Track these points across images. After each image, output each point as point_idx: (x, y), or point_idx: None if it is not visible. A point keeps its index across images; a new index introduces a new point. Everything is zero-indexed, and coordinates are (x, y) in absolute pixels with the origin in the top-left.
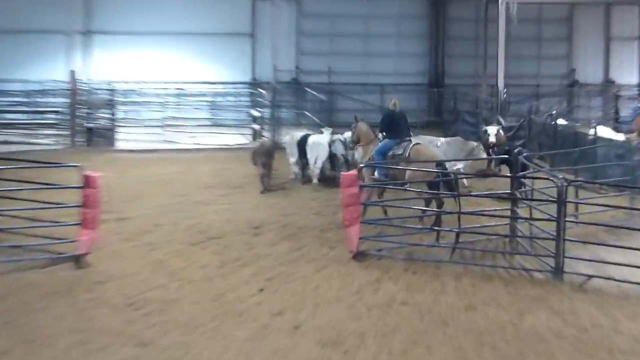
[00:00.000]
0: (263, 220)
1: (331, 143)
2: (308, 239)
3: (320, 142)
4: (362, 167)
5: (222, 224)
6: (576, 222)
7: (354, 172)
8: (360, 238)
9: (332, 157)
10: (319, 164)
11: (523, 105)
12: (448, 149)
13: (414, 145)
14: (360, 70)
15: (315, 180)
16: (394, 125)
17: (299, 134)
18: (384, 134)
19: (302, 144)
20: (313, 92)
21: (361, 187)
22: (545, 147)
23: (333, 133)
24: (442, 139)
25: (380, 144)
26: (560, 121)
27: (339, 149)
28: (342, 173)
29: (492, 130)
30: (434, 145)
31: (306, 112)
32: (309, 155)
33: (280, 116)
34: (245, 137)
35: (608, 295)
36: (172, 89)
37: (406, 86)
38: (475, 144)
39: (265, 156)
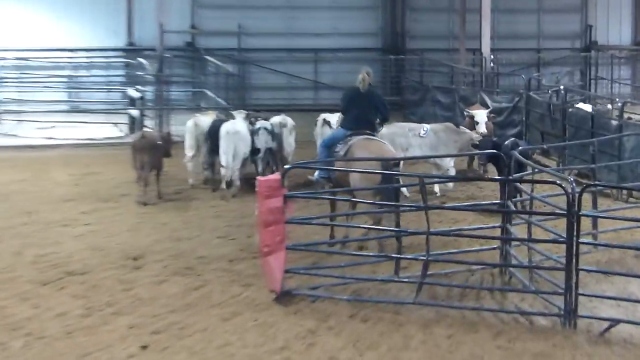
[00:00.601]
0: (146, 247)
1: (253, 133)
2: (211, 274)
3: (238, 132)
4: (288, 168)
5: (87, 254)
6: (594, 245)
7: (275, 175)
8: (286, 271)
9: (254, 152)
10: (237, 163)
11: (518, 77)
12: (436, 140)
13: (358, 139)
14: (284, 29)
15: (227, 187)
16: (352, 109)
17: (206, 119)
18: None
19: (212, 134)
20: (217, 61)
21: (287, 197)
22: (550, 137)
23: (251, 118)
24: (427, 126)
25: (328, 134)
26: (574, 102)
27: (264, 141)
28: (259, 178)
29: (480, 116)
30: (415, 134)
31: (206, 91)
32: (222, 151)
33: (170, 97)
34: (120, 128)
35: None
36: (10, 60)
37: (350, 52)
38: (472, 133)
39: (149, 153)
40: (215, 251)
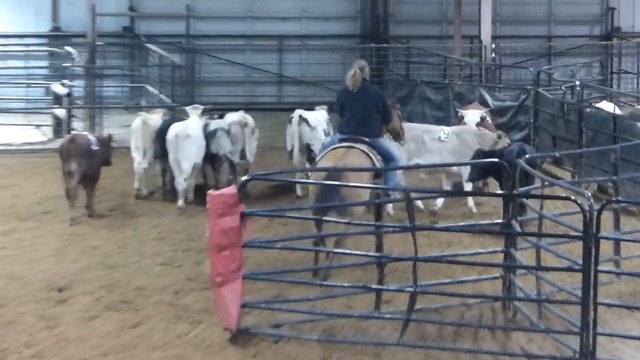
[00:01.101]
0: (74, 276)
1: (209, 136)
2: (152, 309)
3: (190, 135)
4: (246, 180)
5: (2, 284)
6: (616, 273)
7: (230, 189)
8: (243, 306)
9: (211, 157)
10: (190, 172)
11: (525, 71)
12: (459, 144)
13: (332, 148)
14: (242, 12)
15: (180, 202)
16: (345, 112)
17: (155, 118)
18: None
19: (161, 136)
20: (160, 50)
21: (245, 215)
22: (563, 142)
23: (207, 115)
24: (448, 129)
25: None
26: (593, 100)
27: (223, 145)
28: (210, 193)
29: (471, 116)
30: (433, 138)
31: (148, 86)
32: (172, 156)
33: (104, 93)
34: (42, 131)
35: None
36: None
37: (322, 40)
38: (496, 135)
39: (80, 160)
40: (157, 281)
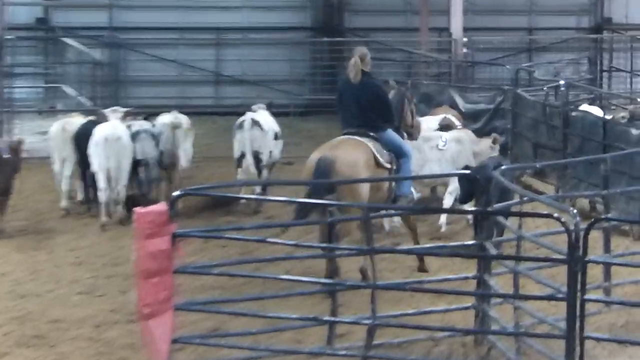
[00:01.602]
0: None
1: (133, 138)
2: (69, 345)
3: (120, 137)
4: (178, 195)
5: None
6: (606, 302)
7: (160, 206)
8: (174, 341)
9: (136, 164)
10: (122, 181)
11: (501, 68)
12: (459, 151)
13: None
14: (174, 1)
15: (104, 218)
16: (342, 107)
17: (74, 121)
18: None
19: (81, 140)
20: (79, 45)
21: (177, 237)
22: (546, 151)
23: (129, 117)
24: (446, 135)
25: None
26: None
27: (148, 150)
28: (137, 210)
29: (428, 122)
30: (432, 146)
31: (64, 87)
32: (97, 165)
33: (13, 95)
34: None
35: None
36: None
37: (267, 33)
38: (492, 139)
39: None
40: (76, 312)
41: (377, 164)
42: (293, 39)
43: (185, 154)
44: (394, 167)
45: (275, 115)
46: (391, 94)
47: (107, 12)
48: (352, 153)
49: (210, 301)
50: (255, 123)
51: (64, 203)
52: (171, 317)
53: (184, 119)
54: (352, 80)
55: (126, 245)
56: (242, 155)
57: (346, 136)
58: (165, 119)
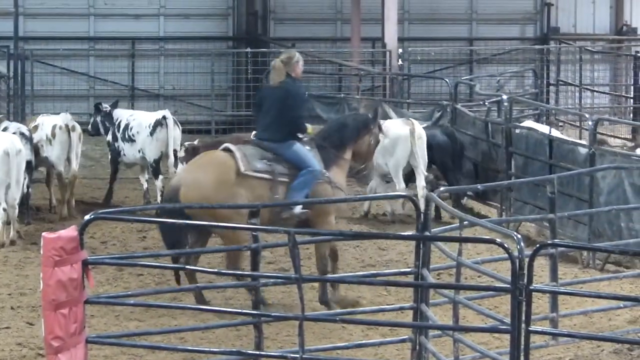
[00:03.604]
0: None
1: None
2: None
3: (21, 150)
4: (89, 219)
5: None
6: (553, 334)
7: (69, 231)
8: None
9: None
10: (17, 195)
11: (439, 82)
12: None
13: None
14: (84, 9)
15: (12, 233)
16: (259, 113)
17: None
18: None
19: None
20: None
21: (87, 264)
22: (487, 171)
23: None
24: None
25: None
26: (524, 118)
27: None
28: (44, 235)
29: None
30: None
31: None
32: None
33: None
34: None
35: None
36: None
37: (185, 43)
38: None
39: None
40: None
41: (240, 173)
42: (214, 50)
43: (77, 157)
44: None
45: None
46: (360, 111)
47: (11, 20)
48: (201, 173)
49: (125, 334)
50: (174, 121)
51: None
52: (83, 351)
53: (75, 123)
54: (271, 83)
55: (32, 274)
56: (160, 158)
57: (207, 152)
58: (55, 120)
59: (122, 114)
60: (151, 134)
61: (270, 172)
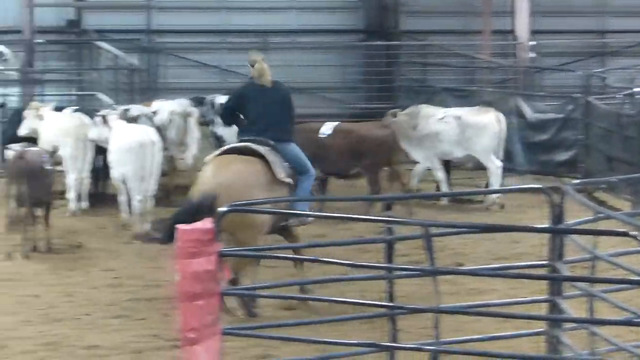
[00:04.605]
0: (9, 332)
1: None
2: None
3: (154, 142)
4: (225, 211)
5: None
6: None
7: (204, 223)
8: None
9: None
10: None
11: (571, 74)
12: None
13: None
14: (215, 2)
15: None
16: (249, 113)
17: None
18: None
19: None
20: (114, 49)
21: (222, 256)
22: (621, 165)
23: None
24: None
25: None
26: None
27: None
28: (179, 227)
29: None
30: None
31: (99, 94)
32: (132, 173)
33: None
34: None
35: None
36: None
37: (316, 36)
38: None
39: (33, 181)
40: (114, 338)
41: (275, 179)
42: (343, 43)
43: (193, 144)
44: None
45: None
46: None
47: (143, 14)
48: (239, 180)
49: (259, 326)
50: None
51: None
52: (218, 343)
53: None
54: (263, 83)
55: (166, 266)
56: None
57: (232, 155)
58: (173, 106)
59: None
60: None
61: (291, 176)
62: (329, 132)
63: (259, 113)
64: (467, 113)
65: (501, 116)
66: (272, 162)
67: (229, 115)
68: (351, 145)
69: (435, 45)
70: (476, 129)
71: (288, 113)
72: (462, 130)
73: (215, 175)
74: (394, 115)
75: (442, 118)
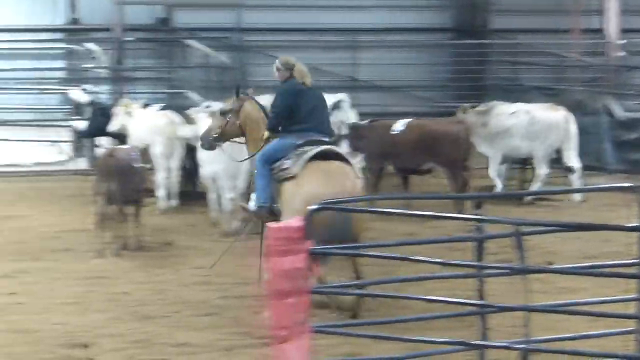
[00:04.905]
0: (98, 329)
1: None
2: None
3: None
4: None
5: (10, 340)
6: None
7: (295, 221)
8: None
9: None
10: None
11: None
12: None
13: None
14: (306, 1)
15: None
16: (301, 111)
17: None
18: (278, 126)
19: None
20: (204, 47)
21: (313, 254)
22: None
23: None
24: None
25: (270, 144)
26: None
27: None
28: (269, 225)
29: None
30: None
31: (189, 92)
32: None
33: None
34: (60, 148)
35: None
36: None
37: (406, 34)
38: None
39: (123, 179)
40: (204, 336)
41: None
42: (434, 41)
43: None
44: None
45: None
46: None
47: (233, 12)
48: (338, 187)
49: (349, 324)
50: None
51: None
52: (307, 341)
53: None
54: (303, 82)
55: (255, 264)
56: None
57: (332, 162)
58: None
59: None
60: None
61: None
62: (402, 128)
63: (308, 111)
64: (538, 108)
65: (571, 116)
66: (353, 165)
67: (287, 114)
68: (423, 140)
69: (524, 44)
70: (544, 125)
71: (327, 112)
72: (531, 124)
73: (309, 182)
74: (464, 111)
75: (514, 113)
